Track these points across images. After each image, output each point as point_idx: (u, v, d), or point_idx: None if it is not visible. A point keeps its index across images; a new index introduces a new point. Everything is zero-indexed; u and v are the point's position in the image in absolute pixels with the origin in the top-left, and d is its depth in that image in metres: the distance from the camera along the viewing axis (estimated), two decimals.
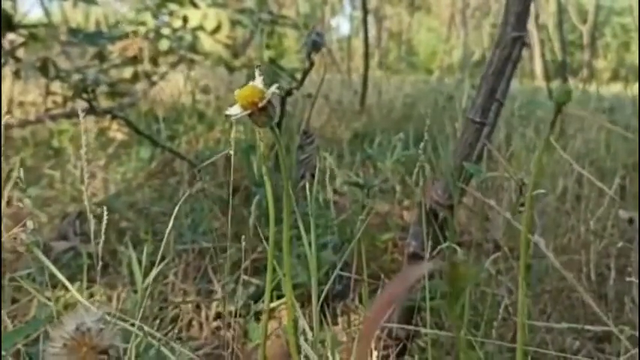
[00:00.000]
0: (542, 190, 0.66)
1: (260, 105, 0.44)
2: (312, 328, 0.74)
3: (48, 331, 0.43)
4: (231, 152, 0.76)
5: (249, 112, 0.45)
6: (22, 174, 0.76)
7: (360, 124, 2.56)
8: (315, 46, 1.19)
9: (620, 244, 0.89)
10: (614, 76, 8.30)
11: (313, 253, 0.71)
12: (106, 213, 0.71)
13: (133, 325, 0.73)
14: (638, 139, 1.76)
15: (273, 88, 0.44)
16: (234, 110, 0.45)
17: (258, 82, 0.45)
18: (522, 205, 0.77)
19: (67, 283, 0.73)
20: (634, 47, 10.40)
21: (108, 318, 0.44)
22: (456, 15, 12.78)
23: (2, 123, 0.76)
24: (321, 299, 0.71)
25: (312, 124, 2.31)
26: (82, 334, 0.37)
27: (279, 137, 0.46)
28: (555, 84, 3.48)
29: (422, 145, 0.84)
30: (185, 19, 2.58)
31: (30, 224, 0.57)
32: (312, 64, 1.21)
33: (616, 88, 4.80)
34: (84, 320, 0.38)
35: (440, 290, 0.80)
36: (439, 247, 0.77)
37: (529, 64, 7.02)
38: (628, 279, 0.74)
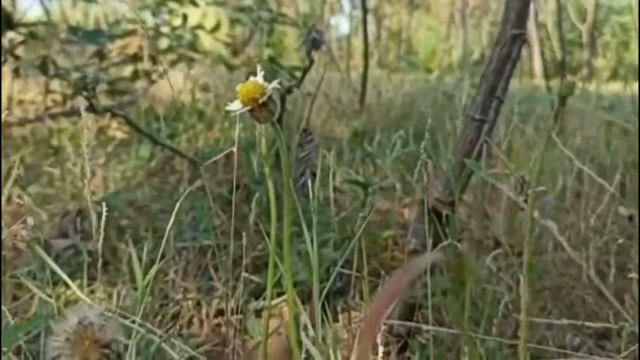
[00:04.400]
0: (543, 188, 0.66)
1: (261, 101, 0.44)
2: (313, 326, 0.74)
3: (49, 327, 0.43)
4: (234, 150, 0.76)
5: (250, 107, 0.45)
6: (22, 172, 0.76)
7: (359, 122, 2.56)
8: (315, 44, 1.19)
9: (620, 241, 0.90)
10: (614, 75, 8.30)
11: (315, 250, 0.71)
12: (105, 210, 0.71)
13: (133, 322, 0.73)
14: (637, 136, 1.76)
15: (274, 84, 0.44)
16: (235, 106, 0.45)
17: (259, 78, 0.45)
18: (524, 202, 0.77)
19: (68, 280, 0.73)
20: (633, 46, 10.41)
21: (109, 314, 0.44)
22: (456, 14, 12.78)
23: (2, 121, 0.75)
24: (322, 296, 0.71)
25: (312, 122, 2.31)
26: (85, 329, 0.38)
27: (280, 133, 0.46)
28: (554, 82, 3.48)
29: (423, 144, 0.84)
30: (185, 18, 2.58)
31: (30, 221, 0.57)
32: (311, 62, 1.21)
33: (615, 87, 4.80)
34: (86, 315, 0.38)
35: (440, 287, 0.80)
36: (440, 245, 0.77)
37: (528, 62, 7.02)
38: (629, 275, 0.74)
